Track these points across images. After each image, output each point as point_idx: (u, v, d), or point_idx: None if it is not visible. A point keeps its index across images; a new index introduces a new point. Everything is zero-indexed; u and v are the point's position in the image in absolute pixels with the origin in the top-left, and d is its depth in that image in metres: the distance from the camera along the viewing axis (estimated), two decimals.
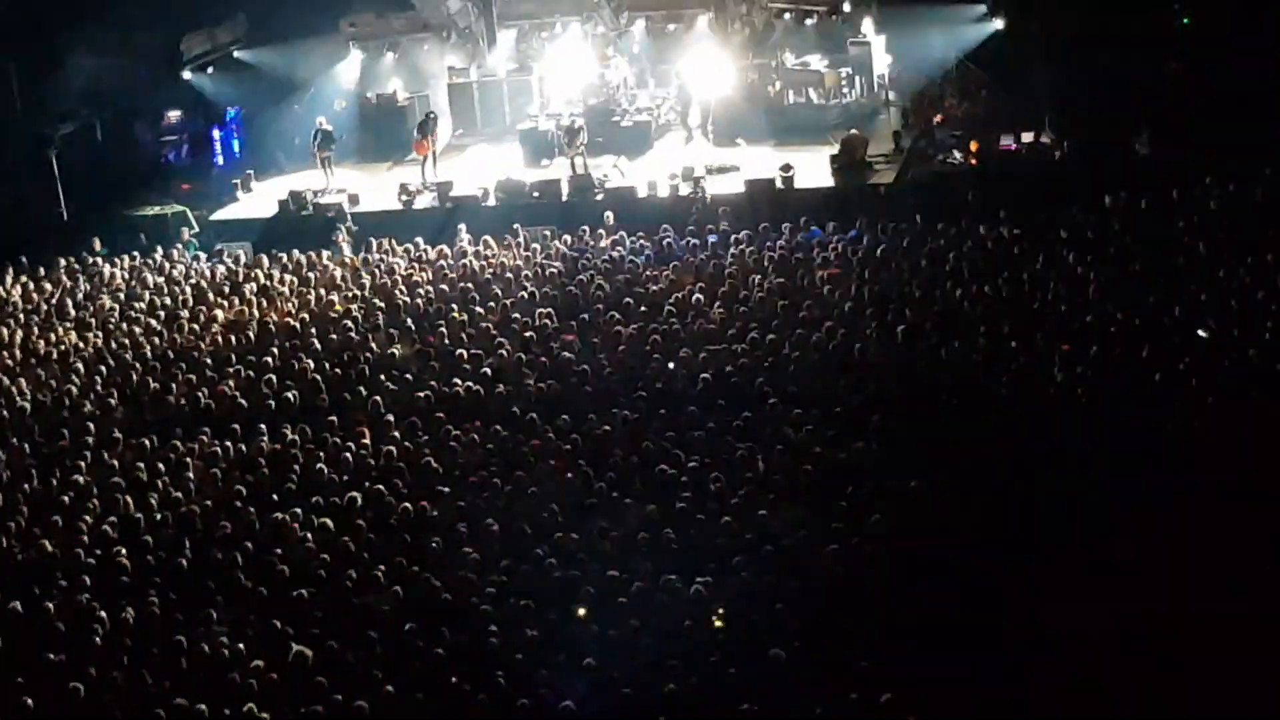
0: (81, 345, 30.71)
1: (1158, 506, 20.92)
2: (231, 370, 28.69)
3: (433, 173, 40.42)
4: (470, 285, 32.05)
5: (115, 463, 25.46)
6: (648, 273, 31.73)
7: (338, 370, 28.34)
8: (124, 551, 22.41)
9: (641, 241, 33.81)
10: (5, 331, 31.50)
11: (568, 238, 34.31)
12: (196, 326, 31.21)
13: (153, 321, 31.51)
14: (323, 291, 32.45)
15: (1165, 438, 22.65)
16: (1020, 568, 19.96)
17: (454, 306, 30.98)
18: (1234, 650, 18.16)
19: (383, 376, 27.84)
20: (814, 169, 38.07)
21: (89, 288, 34.20)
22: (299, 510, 23.21)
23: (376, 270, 33.59)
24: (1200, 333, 26.06)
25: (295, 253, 34.89)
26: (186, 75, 43.63)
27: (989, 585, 19.62)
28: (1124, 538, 20.42)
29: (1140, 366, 25.01)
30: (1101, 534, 20.59)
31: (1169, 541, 20.20)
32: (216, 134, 43.20)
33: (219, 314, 31.73)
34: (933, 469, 22.54)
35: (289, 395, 27.30)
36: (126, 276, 34.74)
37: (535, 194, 38.47)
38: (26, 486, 25.09)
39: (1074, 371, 25.03)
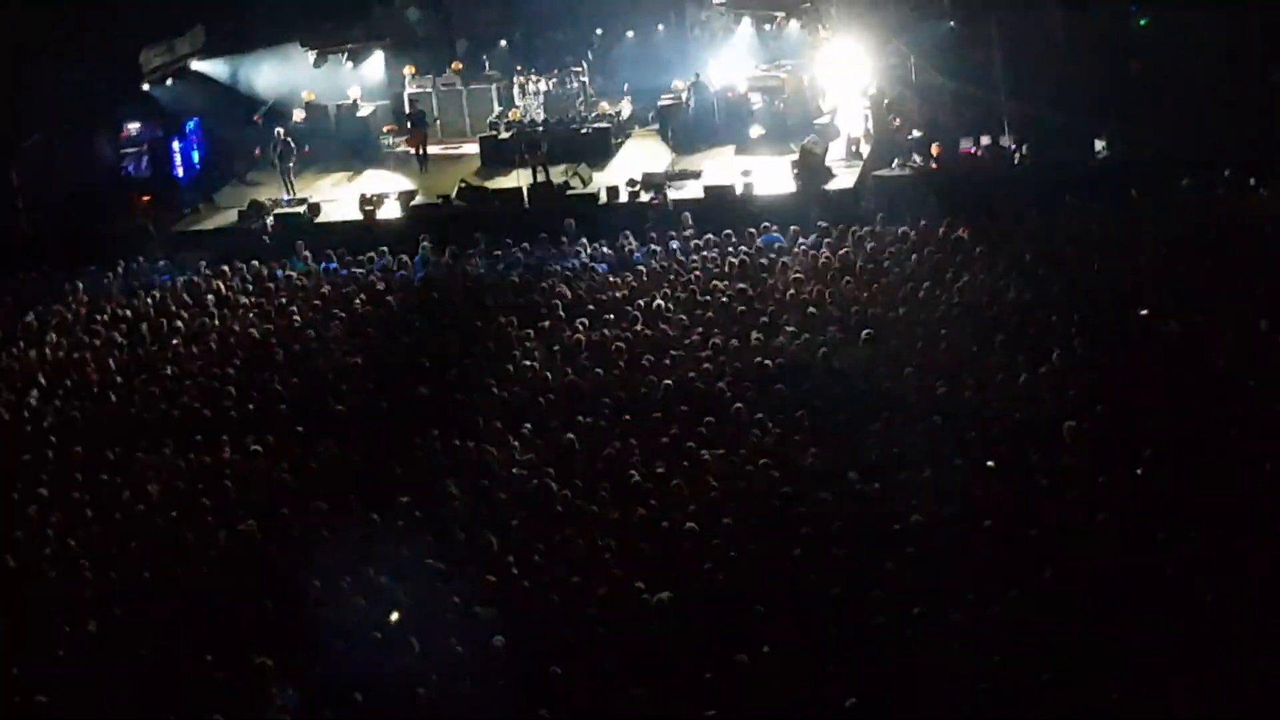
0: (43, 358, 30.59)
1: (1128, 507, 21.00)
2: (193, 382, 28.62)
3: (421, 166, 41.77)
4: (434, 293, 32.08)
5: (78, 475, 25.37)
6: (610, 279, 31.73)
7: (299, 380, 28.28)
8: (87, 565, 22.33)
9: (603, 248, 33.83)
10: None
11: (528, 245, 34.36)
12: (159, 339, 31.09)
13: (114, 334, 31.38)
14: (283, 301, 32.36)
15: (1138, 442, 22.73)
16: (983, 569, 19.96)
17: (416, 315, 30.97)
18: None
19: (345, 386, 27.81)
20: (774, 174, 38.15)
21: (50, 301, 34.09)
22: (263, 521, 23.15)
23: (337, 279, 33.57)
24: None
25: (255, 264, 34.80)
26: (145, 87, 43.46)
27: (955, 587, 19.63)
28: (1091, 534, 20.45)
29: (1105, 368, 25.12)
30: (1062, 529, 20.64)
31: (1143, 535, 20.31)
32: (176, 146, 43.01)
33: (180, 326, 31.61)
34: (897, 473, 22.56)
35: (251, 406, 27.28)
36: (89, 289, 34.63)
37: (496, 202, 38.44)
38: None
39: (1038, 374, 25.09)
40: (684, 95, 42.88)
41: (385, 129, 44.58)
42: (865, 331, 27.48)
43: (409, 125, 42.83)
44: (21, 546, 23.15)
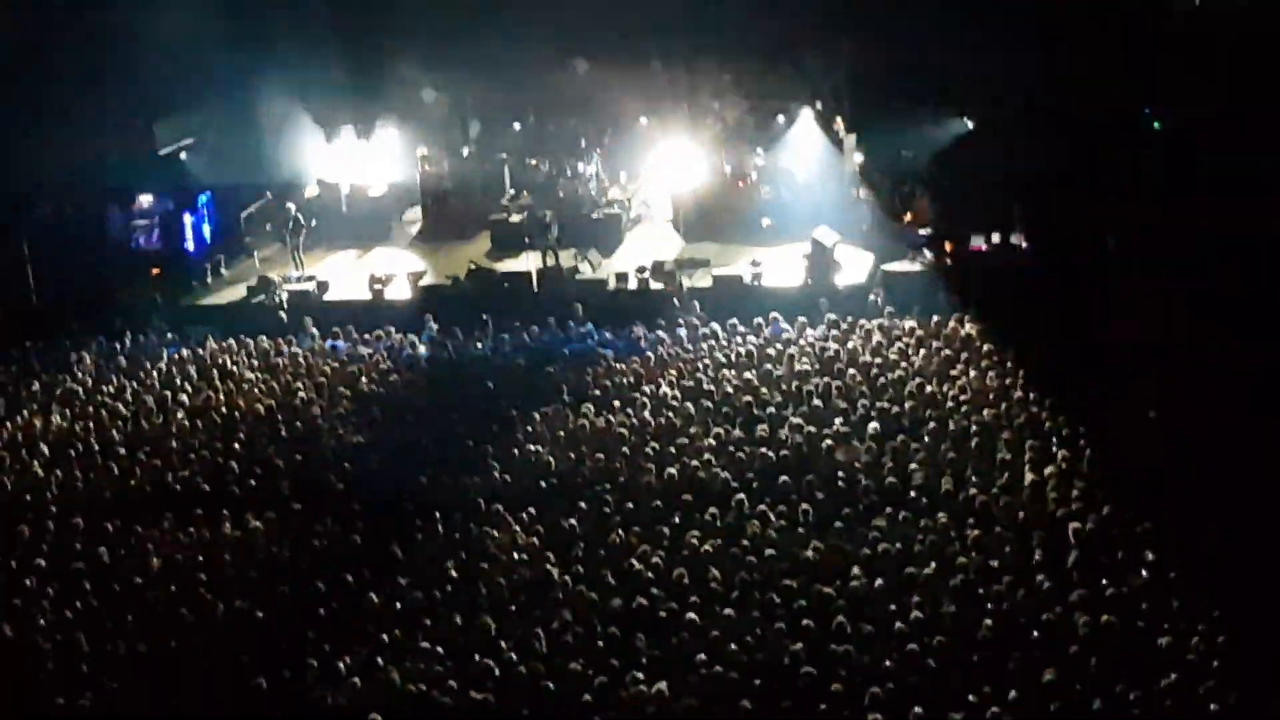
0: (47, 428, 30.55)
1: (1132, 610, 20.92)
2: (195, 455, 28.58)
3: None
4: (440, 374, 32.08)
5: (77, 546, 25.26)
6: (616, 365, 31.71)
7: (301, 457, 28.23)
8: (83, 637, 22.19)
9: (610, 334, 33.86)
10: None
11: (536, 328, 34.37)
12: (163, 411, 31.04)
13: (119, 405, 31.34)
14: (288, 378, 32.33)
15: (1143, 545, 22.64)
16: (985, 669, 19.84)
17: (420, 395, 30.96)
18: None
19: (347, 464, 27.75)
20: (784, 266, 38.16)
21: (57, 371, 34.04)
22: (261, 599, 23.04)
23: (344, 358, 33.58)
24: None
25: (262, 339, 34.82)
26: (158, 160, 43.56)
27: (956, 686, 19.50)
28: (1095, 637, 20.37)
29: (1111, 469, 25.07)
30: (1065, 632, 20.55)
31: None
32: (188, 219, 43.11)
33: (185, 399, 31.56)
34: (900, 569, 22.45)
35: (253, 481, 27.22)
36: (95, 360, 34.60)
37: (505, 284, 38.47)
38: None
39: (1044, 474, 25.02)
40: (694, 184, 42.97)
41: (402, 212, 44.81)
42: (871, 426, 27.44)
43: (428, 204, 43.01)
44: (18, 616, 23.01)
